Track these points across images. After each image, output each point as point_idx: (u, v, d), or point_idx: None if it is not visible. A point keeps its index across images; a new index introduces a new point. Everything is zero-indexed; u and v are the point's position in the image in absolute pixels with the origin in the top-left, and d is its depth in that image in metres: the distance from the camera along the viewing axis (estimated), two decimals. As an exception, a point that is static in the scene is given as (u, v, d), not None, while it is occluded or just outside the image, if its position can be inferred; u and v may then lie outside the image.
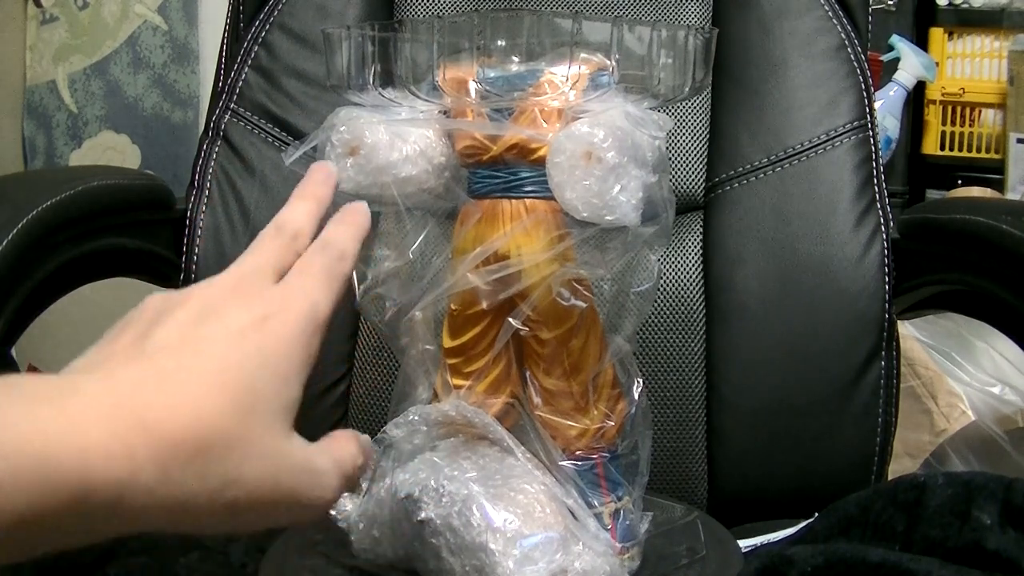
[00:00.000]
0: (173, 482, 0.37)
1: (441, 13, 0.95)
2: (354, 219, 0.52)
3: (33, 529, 0.34)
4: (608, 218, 0.55)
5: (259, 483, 0.41)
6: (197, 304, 0.44)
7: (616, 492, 0.62)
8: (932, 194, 1.72)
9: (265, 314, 0.43)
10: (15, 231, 0.69)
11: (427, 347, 0.64)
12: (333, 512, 0.62)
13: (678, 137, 0.91)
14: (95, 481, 0.35)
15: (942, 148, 1.72)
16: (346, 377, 0.88)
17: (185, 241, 0.89)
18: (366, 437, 0.49)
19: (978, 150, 1.70)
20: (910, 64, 1.63)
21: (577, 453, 0.62)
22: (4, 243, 0.68)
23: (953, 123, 1.71)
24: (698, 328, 0.87)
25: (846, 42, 0.92)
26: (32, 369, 1.63)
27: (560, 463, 0.60)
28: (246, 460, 0.40)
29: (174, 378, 0.40)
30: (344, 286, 0.49)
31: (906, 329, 1.42)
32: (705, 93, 0.92)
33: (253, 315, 0.43)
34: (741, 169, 0.89)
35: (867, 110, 0.90)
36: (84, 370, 0.41)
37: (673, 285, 0.88)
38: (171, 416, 0.38)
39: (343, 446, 0.47)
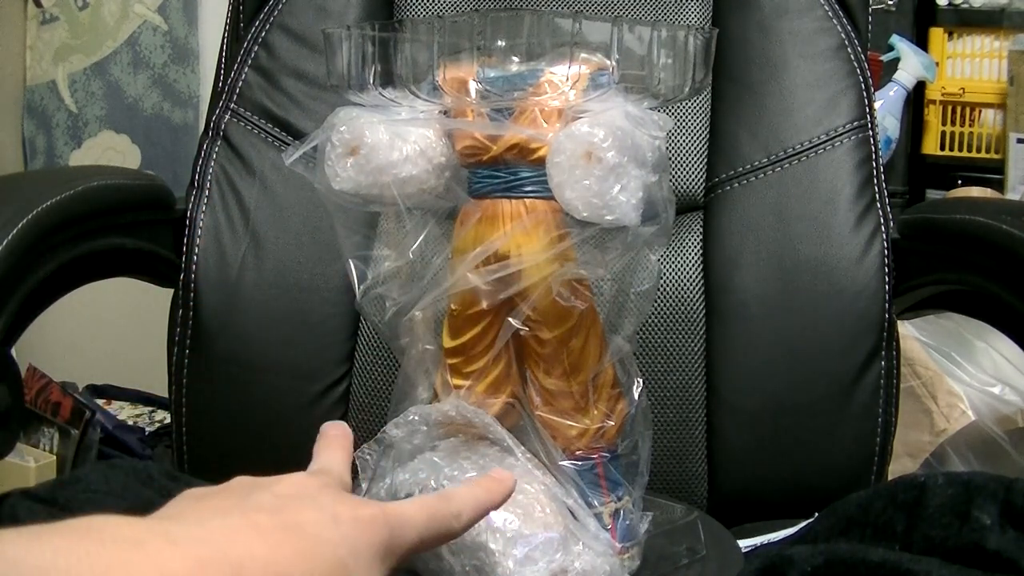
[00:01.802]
0: None
1: (441, 13, 0.95)
2: (497, 487, 0.51)
3: None
4: (608, 218, 0.55)
5: None
6: (294, 486, 0.45)
7: (616, 492, 0.62)
8: (932, 194, 1.72)
9: (357, 515, 0.44)
10: (15, 231, 0.69)
11: (427, 347, 0.64)
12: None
13: (678, 137, 0.91)
14: None
15: (942, 148, 1.72)
16: (346, 377, 0.88)
17: (185, 241, 0.89)
18: None
19: (978, 150, 1.70)
20: (910, 64, 1.62)
21: (577, 453, 0.62)
22: (4, 243, 0.68)
23: (953, 123, 1.71)
24: (698, 328, 0.87)
25: (846, 42, 0.92)
26: (32, 369, 1.62)
27: (560, 463, 0.60)
28: None
29: (271, 535, 0.39)
30: (443, 541, 0.49)
31: (906, 329, 1.42)
32: (705, 93, 0.92)
33: (348, 507, 0.44)
34: (741, 169, 0.89)
35: (867, 110, 0.90)
36: (173, 518, 0.41)
37: (673, 285, 0.88)
38: (265, 569, 0.38)
39: None
